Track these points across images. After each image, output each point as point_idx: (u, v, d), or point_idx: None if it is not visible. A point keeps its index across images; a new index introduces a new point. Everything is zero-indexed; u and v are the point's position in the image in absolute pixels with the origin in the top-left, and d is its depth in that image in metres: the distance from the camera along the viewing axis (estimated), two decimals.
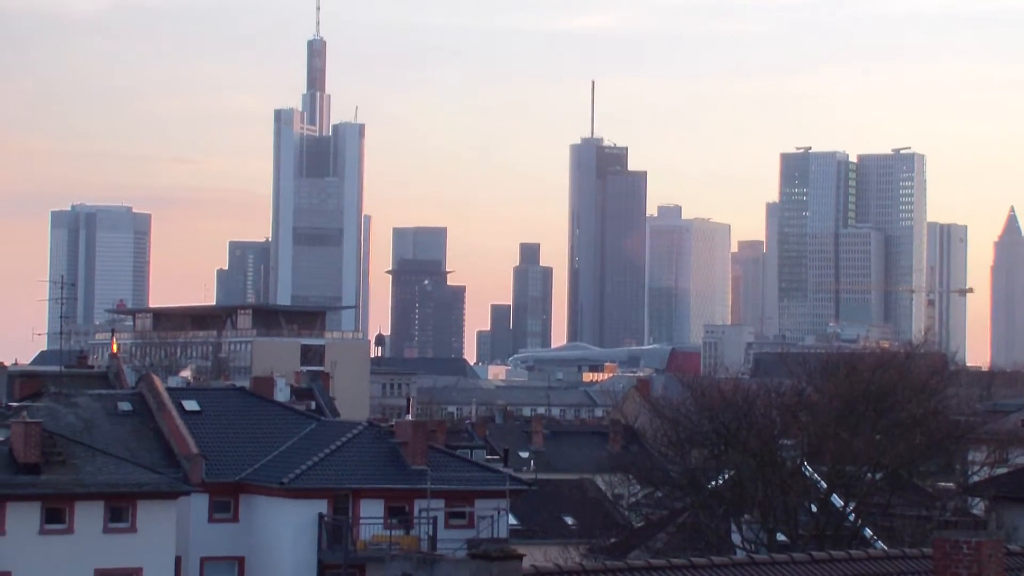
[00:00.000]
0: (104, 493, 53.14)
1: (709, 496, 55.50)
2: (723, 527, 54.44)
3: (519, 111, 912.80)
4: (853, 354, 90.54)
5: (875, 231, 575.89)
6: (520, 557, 24.36)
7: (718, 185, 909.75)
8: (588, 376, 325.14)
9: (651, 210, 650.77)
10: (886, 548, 50.69)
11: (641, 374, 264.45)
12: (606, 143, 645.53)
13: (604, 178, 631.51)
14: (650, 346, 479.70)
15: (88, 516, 52.90)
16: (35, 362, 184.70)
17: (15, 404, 62.30)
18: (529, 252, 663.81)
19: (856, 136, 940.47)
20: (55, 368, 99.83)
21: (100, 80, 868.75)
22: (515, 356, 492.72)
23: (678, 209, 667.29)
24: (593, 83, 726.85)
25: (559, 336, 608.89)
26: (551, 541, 61.91)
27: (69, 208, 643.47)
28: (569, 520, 69.22)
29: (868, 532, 54.09)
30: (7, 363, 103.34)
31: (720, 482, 55.99)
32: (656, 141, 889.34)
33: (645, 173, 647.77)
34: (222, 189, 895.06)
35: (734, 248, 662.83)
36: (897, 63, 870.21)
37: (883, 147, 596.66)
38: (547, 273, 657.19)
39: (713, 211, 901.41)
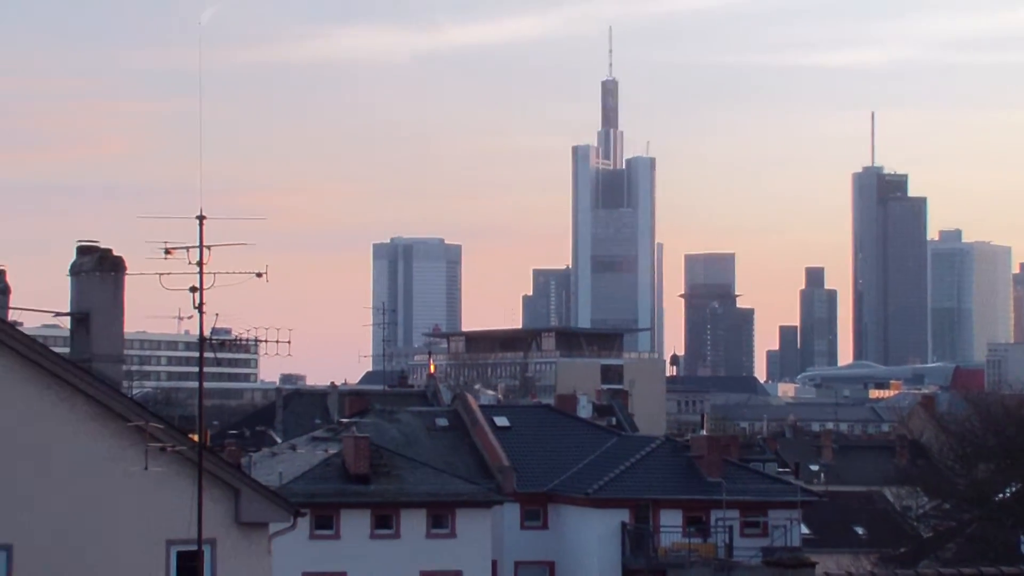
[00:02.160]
0: (426, 502, 54.52)
1: (996, 508, 53.78)
2: (1011, 539, 52.65)
3: (802, 142, 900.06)
4: None
5: None
6: (813, 565, 23.99)
7: (997, 209, 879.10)
8: (874, 393, 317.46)
9: (932, 235, 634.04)
10: None
11: (926, 391, 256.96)
12: (887, 171, 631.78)
13: (885, 204, 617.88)
14: (934, 364, 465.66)
15: (412, 522, 54.33)
16: (362, 382, 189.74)
17: (345, 420, 64.43)
18: (814, 276, 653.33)
19: None
20: (380, 387, 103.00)
21: (413, 123, 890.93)
22: (803, 374, 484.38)
23: (958, 233, 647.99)
24: (873, 114, 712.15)
25: (845, 355, 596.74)
26: (842, 550, 60.79)
27: (388, 241, 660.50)
28: (859, 530, 67.85)
29: None
30: (338, 383, 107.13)
31: (1007, 495, 54.18)
32: (935, 168, 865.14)
33: (925, 199, 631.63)
34: (525, 221, 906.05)
35: (1015, 269, 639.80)
36: None
37: None
38: (832, 295, 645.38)
39: (993, 234, 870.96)
